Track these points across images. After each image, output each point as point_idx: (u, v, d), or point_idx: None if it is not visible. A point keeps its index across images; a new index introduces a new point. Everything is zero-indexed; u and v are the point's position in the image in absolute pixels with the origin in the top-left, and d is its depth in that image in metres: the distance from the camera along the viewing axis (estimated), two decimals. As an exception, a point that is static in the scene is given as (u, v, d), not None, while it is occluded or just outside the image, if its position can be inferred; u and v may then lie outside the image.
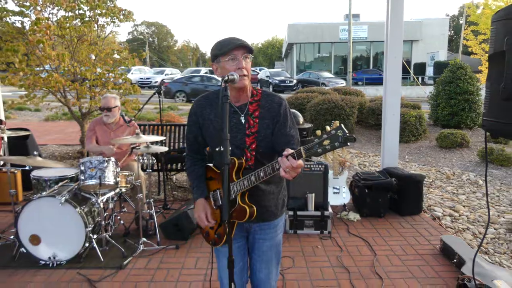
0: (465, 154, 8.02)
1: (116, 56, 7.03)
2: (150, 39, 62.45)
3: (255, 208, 1.90)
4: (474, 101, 10.18)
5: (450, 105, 10.26)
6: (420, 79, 30.16)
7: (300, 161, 1.60)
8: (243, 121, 1.95)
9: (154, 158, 4.23)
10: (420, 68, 33.52)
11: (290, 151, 1.64)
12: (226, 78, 1.77)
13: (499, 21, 1.90)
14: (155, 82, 27.62)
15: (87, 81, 6.36)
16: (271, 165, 1.75)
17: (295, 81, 27.65)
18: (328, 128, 1.54)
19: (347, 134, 1.49)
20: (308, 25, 36.47)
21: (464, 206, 5.12)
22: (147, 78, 29.23)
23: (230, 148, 1.92)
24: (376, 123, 10.53)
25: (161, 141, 4.18)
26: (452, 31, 51.21)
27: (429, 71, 32.77)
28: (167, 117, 9.16)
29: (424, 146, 8.81)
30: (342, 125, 1.51)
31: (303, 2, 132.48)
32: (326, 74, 29.19)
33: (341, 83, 25.70)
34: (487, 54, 13.83)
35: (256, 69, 36.71)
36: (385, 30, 5.21)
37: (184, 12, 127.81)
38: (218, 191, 2.01)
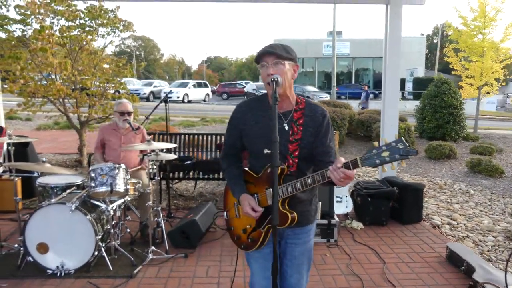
0: (453, 165, 8.26)
1: (112, 66, 7.01)
2: (137, 52, 62.12)
3: (296, 215, 1.92)
4: (458, 114, 10.56)
5: (435, 118, 10.59)
6: (400, 94, 30.97)
7: (354, 171, 1.67)
8: (286, 127, 1.98)
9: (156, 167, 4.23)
10: (400, 84, 34.45)
11: (343, 160, 1.69)
12: (273, 79, 1.80)
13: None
14: (143, 94, 27.46)
15: (86, 89, 6.32)
16: (320, 173, 1.78)
17: (280, 95, 27.92)
18: (386, 139, 1.57)
19: (408, 147, 1.52)
20: (293, 41, 37.03)
21: (460, 215, 5.27)
22: (135, 90, 29.03)
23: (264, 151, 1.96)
24: (365, 134, 10.77)
25: (170, 148, 4.17)
26: (427, 50, 52.96)
27: (409, 86, 33.72)
28: (161, 127, 9.10)
29: (413, 157, 9.03)
30: (403, 138, 1.55)
31: (287, 19, 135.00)
32: (311, 88, 29.70)
33: (326, 97, 26.15)
34: (467, 71, 14.46)
35: (242, 82, 37.06)
36: (384, 46, 5.40)
37: (170, 26, 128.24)
38: (256, 195, 2.03)
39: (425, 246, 4.16)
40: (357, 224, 4.67)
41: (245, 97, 29.84)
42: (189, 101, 28.39)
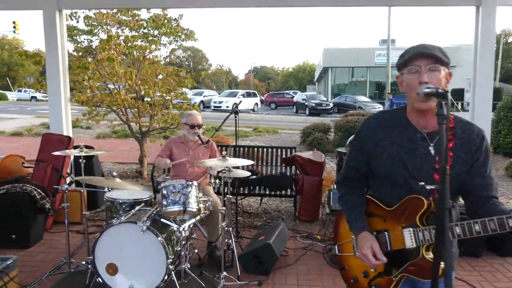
0: (541, 186, 7.36)
1: (172, 75, 6.92)
2: (186, 63, 63.62)
3: (444, 265, 1.50)
4: (541, 128, 9.53)
5: (513, 132, 9.62)
6: (460, 105, 29.16)
7: None
8: (432, 151, 1.56)
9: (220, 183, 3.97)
10: (458, 94, 32.46)
11: None
12: (437, 90, 1.34)
13: None
14: (194, 103, 27.92)
15: (149, 99, 6.26)
16: (498, 221, 1.34)
17: (331, 105, 27.35)
18: None
19: None
20: (344, 50, 36.29)
21: None
22: None
23: (418, 183, 1.54)
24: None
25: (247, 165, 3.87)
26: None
27: (468, 97, 31.62)
28: (216, 139, 8.91)
29: (491, 176, 8.17)
30: None
31: (337, 27, 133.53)
32: (362, 98, 28.83)
33: (378, 107, 25.24)
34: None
35: (290, 92, 36.79)
36: (474, 51, 4.82)
37: (217, 37, 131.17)
38: (386, 233, 1.63)
39: (537, 285, 3.54)
40: (447, 254, 4.11)
41: (294, 107, 29.42)
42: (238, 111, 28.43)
